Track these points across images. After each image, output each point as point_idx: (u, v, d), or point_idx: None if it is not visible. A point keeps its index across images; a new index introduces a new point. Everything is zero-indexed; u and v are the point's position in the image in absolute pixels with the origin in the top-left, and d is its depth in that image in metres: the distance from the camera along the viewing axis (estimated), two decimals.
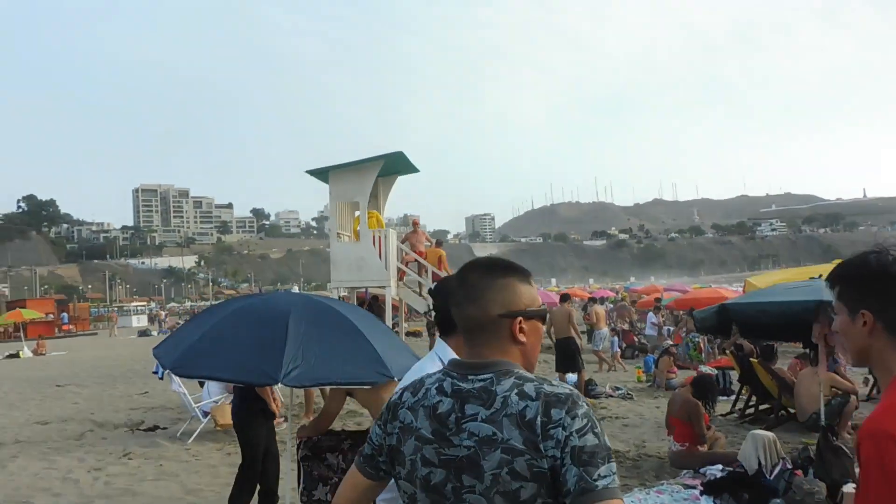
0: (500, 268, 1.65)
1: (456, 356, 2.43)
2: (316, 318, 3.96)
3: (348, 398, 4.31)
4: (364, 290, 17.12)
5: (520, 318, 1.59)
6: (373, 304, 17.27)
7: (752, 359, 10.16)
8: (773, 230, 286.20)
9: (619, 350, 18.50)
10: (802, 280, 8.55)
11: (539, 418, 1.43)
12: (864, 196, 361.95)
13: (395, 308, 18.66)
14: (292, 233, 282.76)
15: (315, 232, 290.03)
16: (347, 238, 17.05)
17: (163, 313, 58.33)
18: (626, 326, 22.28)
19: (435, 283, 2.53)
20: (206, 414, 8.57)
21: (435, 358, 2.42)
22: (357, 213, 17.76)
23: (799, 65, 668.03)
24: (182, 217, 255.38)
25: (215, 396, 8.63)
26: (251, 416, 5.22)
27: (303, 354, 3.64)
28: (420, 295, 16.68)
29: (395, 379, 3.67)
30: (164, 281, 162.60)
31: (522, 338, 1.59)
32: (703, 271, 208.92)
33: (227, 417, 8.22)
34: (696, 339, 17.51)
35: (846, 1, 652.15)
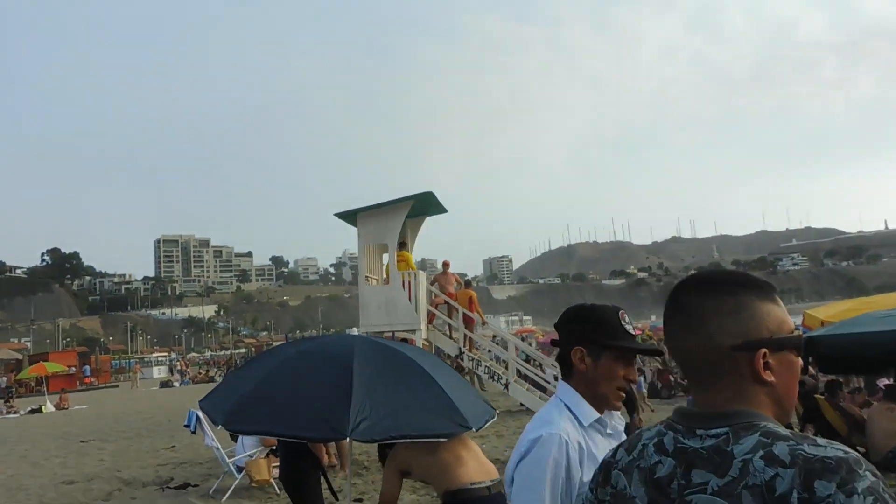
0: (729, 283, 1.21)
1: (584, 402, 1.95)
2: (382, 363, 3.51)
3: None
4: (391, 333, 16.67)
5: (763, 351, 1.15)
6: None
7: (817, 395, 9.49)
8: (794, 264, 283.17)
9: (644, 391, 17.93)
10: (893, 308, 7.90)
11: (796, 494, 0.98)
12: (886, 228, 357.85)
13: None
14: (311, 279, 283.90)
15: (333, 278, 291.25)
16: (375, 281, 16.67)
17: (183, 363, 57.99)
18: (659, 365, 21.58)
19: (565, 312, 2.08)
20: (240, 469, 8.07)
21: (560, 405, 1.98)
22: (385, 255, 17.45)
23: (816, 99, 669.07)
24: (202, 266, 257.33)
25: (250, 450, 8.13)
26: (305, 474, 4.73)
27: (370, 404, 3.18)
28: (450, 338, 16.20)
29: (474, 430, 3.19)
30: (185, 331, 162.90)
31: (769, 376, 1.15)
32: None
33: (263, 473, 7.74)
34: None
35: (866, 37, 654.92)
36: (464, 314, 15.78)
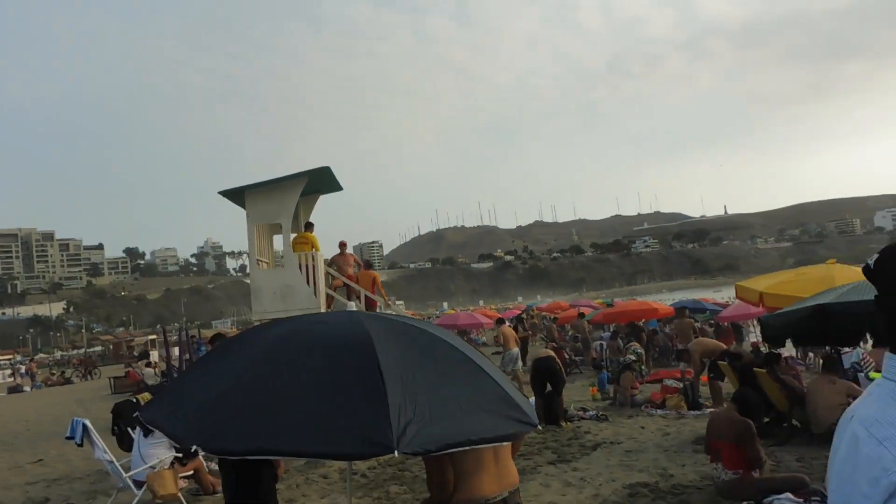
0: None
1: None
2: (410, 348, 2.63)
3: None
4: None
5: None
6: None
7: (757, 368, 9.33)
8: (646, 247, 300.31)
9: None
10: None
11: None
12: (726, 213, 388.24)
13: None
14: (170, 271, 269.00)
15: (195, 269, 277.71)
16: (266, 265, 15.40)
17: (33, 366, 52.56)
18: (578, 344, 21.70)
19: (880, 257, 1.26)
20: (139, 484, 6.81)
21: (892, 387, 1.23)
22: (277, 237, 16.17)
23: (663, 93, 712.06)
24: (47, 261, 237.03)
25: (152, 460, 6.89)
26: (271, 491, 3.74)
27: (415, 406, 2.33)
28: None
29: (539, 427, 2.39)
30: (31, 331, 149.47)
31: None
32: (585, 288, 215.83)
33: (168, 486, 6.55)
34: (640, 352, 17.06)
35: (705, 35, 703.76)
36: (366, 297, 14.85)
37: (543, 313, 37.30)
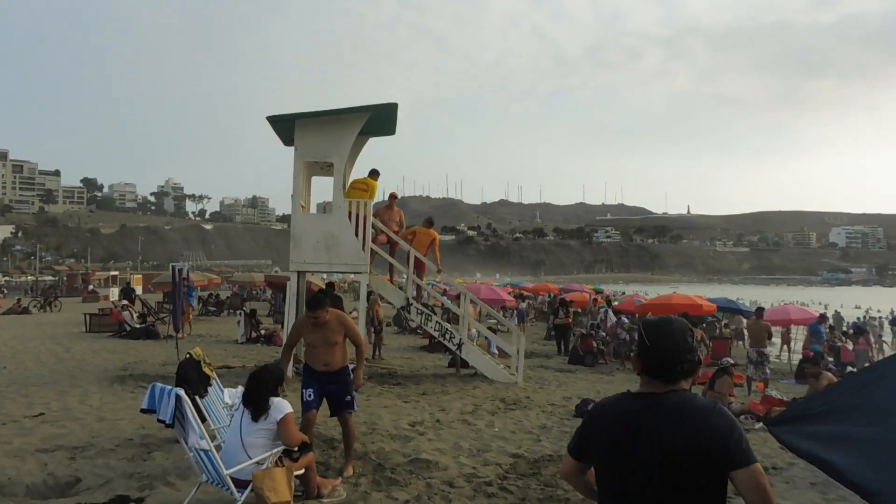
0: None
1: None
2: None
3: None
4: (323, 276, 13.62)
5: None
6: (328, 293, 13.78)
7: None
8: (608, 237, 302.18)
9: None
10: None
11: None
12: (689, 212, 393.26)
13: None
14: (127, 207, 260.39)
15: (153, 208, 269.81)
16: (303, 208, 13.48)
17: None
18: (583, 330, 20.11)
19: None
20: (242, 484, 4.94)
21: None
22: (319, 178, 14.24)
23: (639, 87, 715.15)
24: None
25: (258, 453, 5.01)
26: None
27: None
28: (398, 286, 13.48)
29: None
30: None
31: None
32: (544, 271, 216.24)
33: (281, 491, 4.74)
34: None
35: (686, 34, 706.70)
36: (416, 259, 13.06)
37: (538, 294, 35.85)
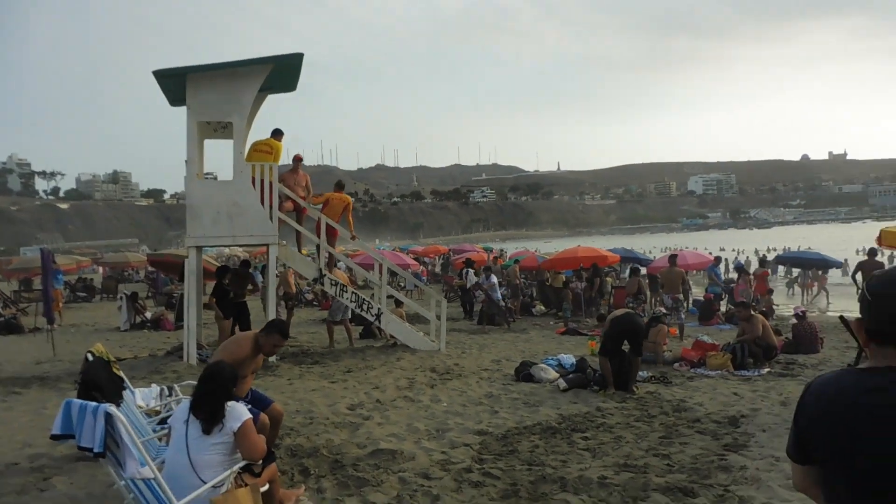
0: None
1: None
2: None
3: None
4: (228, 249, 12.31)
5: None
6: (240, 273, 12.55)
7: None
8: (483, 197, 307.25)
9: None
10: None
11: None
12: (559, 169, 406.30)
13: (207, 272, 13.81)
14: None
15: None
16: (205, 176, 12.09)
17: None
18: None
19: None
20: None
21: None
22: (215, 140, 12.79)
23: (511, 48, 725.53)
24: None
25: (211, 474, 3.96)
26: None
27: None
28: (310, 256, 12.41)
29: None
30: None
31: None
32: (423, 234, 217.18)
33: None
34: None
35: None
36: (328, 226, 12.01)
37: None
